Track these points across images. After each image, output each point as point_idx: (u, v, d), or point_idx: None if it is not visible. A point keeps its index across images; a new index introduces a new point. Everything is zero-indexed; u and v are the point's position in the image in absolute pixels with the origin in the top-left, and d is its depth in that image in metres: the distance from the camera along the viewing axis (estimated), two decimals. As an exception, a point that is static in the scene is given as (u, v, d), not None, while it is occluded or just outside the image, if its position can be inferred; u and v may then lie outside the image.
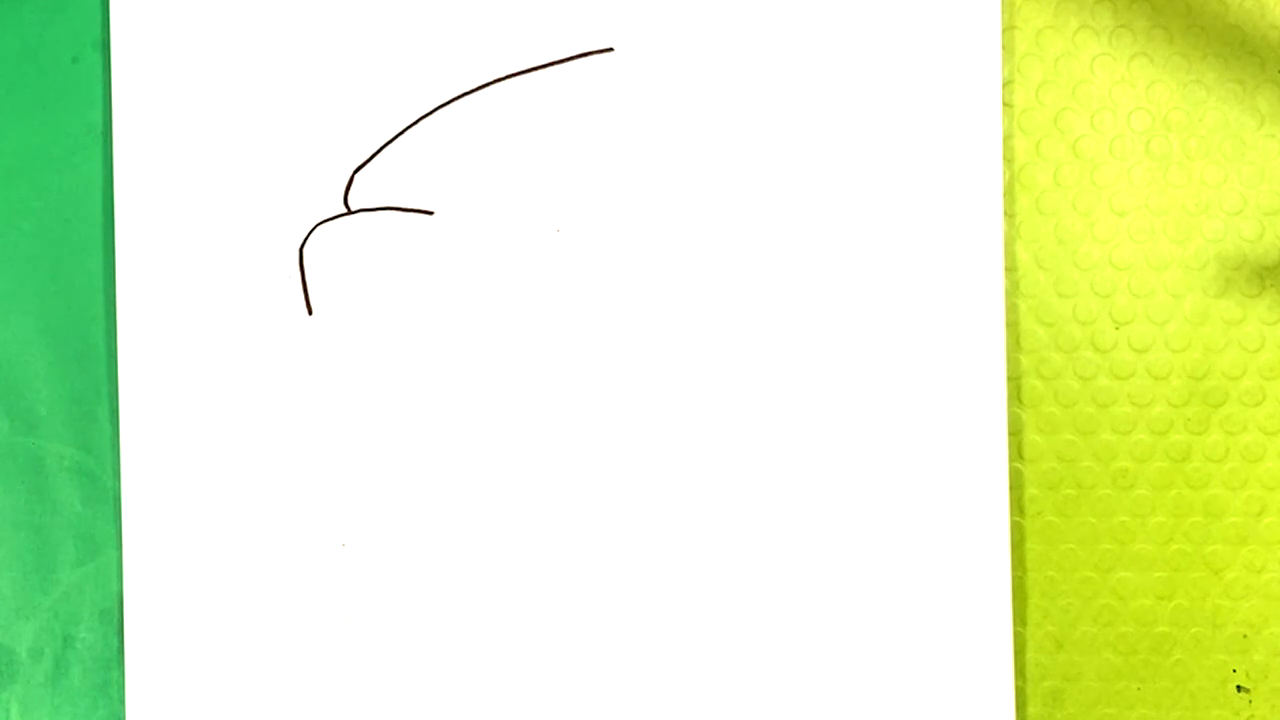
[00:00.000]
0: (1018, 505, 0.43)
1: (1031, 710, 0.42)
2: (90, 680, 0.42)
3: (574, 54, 0.42)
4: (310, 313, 0.41)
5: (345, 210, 0.41)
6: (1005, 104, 0.42)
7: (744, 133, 0.42)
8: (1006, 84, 0.42)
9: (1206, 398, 0.43)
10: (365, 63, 0.41)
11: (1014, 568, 0.42)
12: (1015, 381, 0.43)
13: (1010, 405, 0.42)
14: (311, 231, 0.41)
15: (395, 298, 0.41)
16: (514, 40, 0.41)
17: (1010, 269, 0.42)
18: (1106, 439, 0.43)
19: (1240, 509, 0.43)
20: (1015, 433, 0.42)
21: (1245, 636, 0.43)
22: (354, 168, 0.41)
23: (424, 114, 0.41)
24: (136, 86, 0.41)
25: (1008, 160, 0.42)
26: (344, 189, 0.41)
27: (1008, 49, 0.42)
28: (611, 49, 0.42)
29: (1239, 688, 0.43)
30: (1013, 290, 0.42)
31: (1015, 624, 0.42)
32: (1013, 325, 0.42)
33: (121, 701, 0.41)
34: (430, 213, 0.42)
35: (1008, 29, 0.42)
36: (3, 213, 0.42)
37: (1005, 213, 0.42)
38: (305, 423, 0.41)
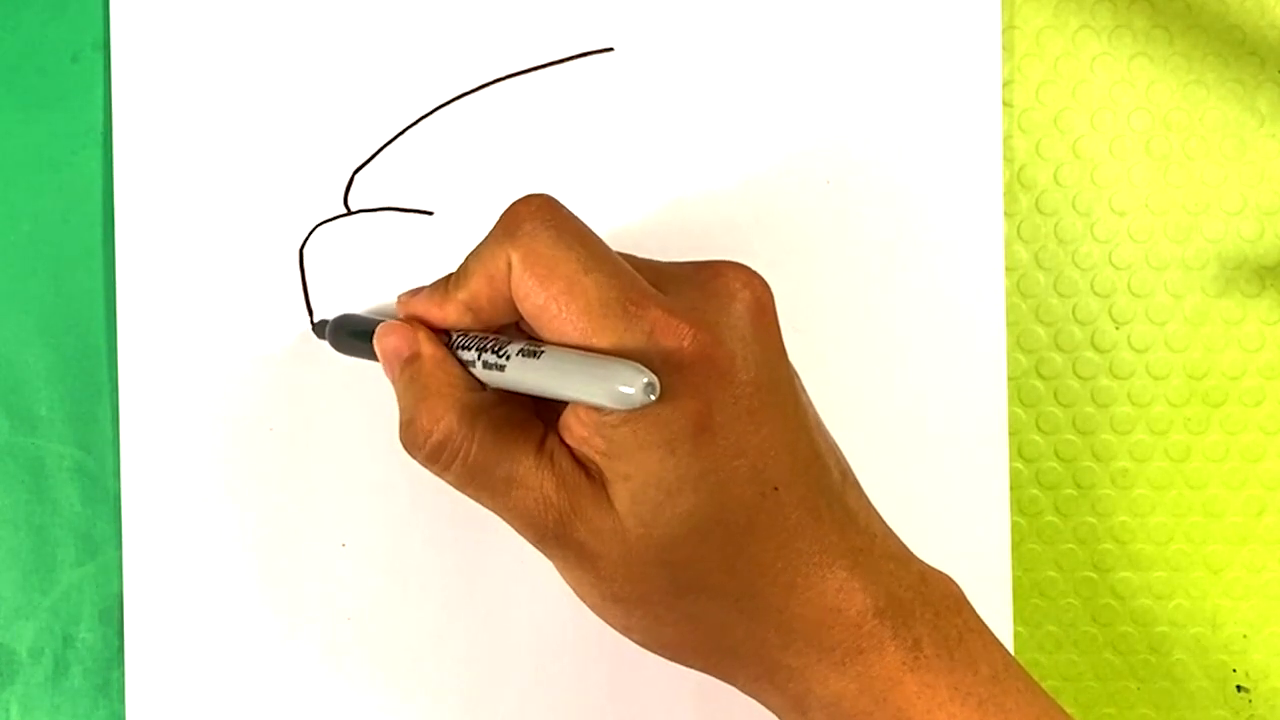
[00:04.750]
0: (1018, 505, 0.43)
1: (1031, 710, 0.42)
2: (90, 680, 0.42)
3: (574, 54, 0.42)
4: (311, 314, 0.41)
5: (345, 210, 0.41)
6: (1005, 104, 0.42)
7: (744, 132, 0.42)
8: (1006, 84, 0.42)
9: (1206, 398, 0.43)
10: (365, 63, 0.41)
11: (1014, 568, 0.42)
12: (1015, 381, 0.43)
13: (1010, 405, 0.42)
14: (312, 232, 0.41)
15: (395, 298, 0.41)
16: (514, 40, 0.41)
17: (1010, 269, 0.42)
18: (1106, 439, 0.43)
19: (1240, 509, 0.43)
20: (1015, 433, 0.42)
21: (1245, 636, 0.43)
22: (354, 168, 0.41)
23: (424, 114, 0.41)
24: (136, 86, 0.41)
25: (1008, 160, 0.42)
26: (344, 189, 0.41)
27: (1008, 49, 0.42)
28: (611, 49, 0.42)
29: (1239, 688, 0.43)
30: (1013, 290, 0.42)
31: (1015, 624, 0.42)
32: (1013, 325, 0.42)
33: (121, 701, 0.41)
34: (430, 213, 0.42)
35: (1008, 29, 0.42)
36: (3, 213, 0.42)
37: (1005, 213, 0.42)
38: (305, 423, 0.41)
